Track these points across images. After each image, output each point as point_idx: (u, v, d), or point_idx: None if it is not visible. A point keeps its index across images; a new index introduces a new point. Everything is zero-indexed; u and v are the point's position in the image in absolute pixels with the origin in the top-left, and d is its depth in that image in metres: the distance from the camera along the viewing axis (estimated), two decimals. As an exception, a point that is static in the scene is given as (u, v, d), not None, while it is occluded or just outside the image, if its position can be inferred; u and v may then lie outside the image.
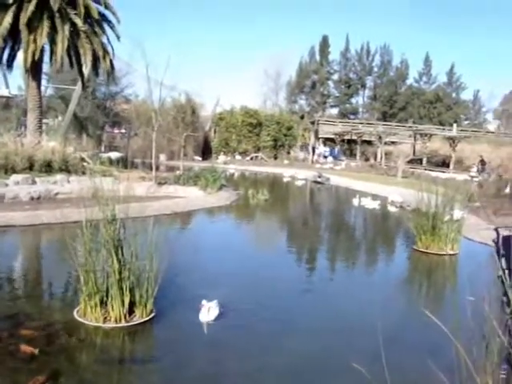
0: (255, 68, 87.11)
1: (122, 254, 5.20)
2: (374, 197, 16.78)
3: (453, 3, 77.32)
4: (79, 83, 24.29)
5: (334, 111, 60.44)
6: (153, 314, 5.32)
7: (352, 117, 58.23)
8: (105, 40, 19.57)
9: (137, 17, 68.76)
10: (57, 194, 13.38)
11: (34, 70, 18.12)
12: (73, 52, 19.03)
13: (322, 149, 41.82)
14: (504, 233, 10.25)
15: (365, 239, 12.26)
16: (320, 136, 42.29)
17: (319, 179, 24.81)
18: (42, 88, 22.32)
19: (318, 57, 58.67)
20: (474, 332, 2.79)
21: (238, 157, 39.13)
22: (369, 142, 39.49)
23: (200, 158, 35.35)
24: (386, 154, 34.80)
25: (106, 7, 19.40)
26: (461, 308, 3.31)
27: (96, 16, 18.44)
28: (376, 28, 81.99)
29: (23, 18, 16.45)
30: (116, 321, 5.10)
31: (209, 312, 5.24)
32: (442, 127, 43.44)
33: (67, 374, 4.11)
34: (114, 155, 22.36)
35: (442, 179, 15.33)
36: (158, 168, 18.41)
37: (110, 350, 4.74)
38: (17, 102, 31.11)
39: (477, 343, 2.76)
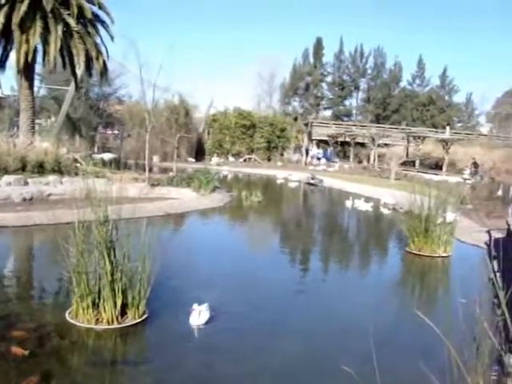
0: (249, 70, 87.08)
1: (115, 256, 5.18)
2: (367, 199, 16.82)
3: (446, 6, 77.86)
4: (72, 84, 24.15)
5: (328, 113, 60.55)
6: (145, 316, 5.30)
7: (345, 119, 58.29)
8: (98, 40, 19.44)
9: (130, 17, 68.51)
10: (49, 195, 13.30)
11: (27, 71, 17.99)
12: (66, 52, 18.91)
13: (315, 151, 41.86)
14: (496, 235, 10.33)
15: (358, 241, 12.30)
16: (313, 138, 42.32)
17: (312, 181, 24.85)
18: (35, 88, 22.19)
19: (311, 59, 58.73)
20: (465, 334, 2.81)
21: (231, 158, 39.08)
22: (362, 144, 39.58)
23: (193, 160, 35.25)
24: (379, 156, 34.93)
25: (100, 7, 19.28)
26: (453, 310, 3.34)
27: (89, 16, 18.34)
28: (370, 30, 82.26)
29: (16, 18, 16.33)
30: (108, 322, 5.08)
31: (199, 316, 5.21)
32: (434, 130, 43.64)
33: (58, 376, 4.10)
34: (107, 156, 22.20)
35: (435, 181, 15.39)
36: (151, 169, 18.35)
37: (102, 352, 4.72)
38: (9, 102, 30.90)
39: (468, 345, 2.78)
